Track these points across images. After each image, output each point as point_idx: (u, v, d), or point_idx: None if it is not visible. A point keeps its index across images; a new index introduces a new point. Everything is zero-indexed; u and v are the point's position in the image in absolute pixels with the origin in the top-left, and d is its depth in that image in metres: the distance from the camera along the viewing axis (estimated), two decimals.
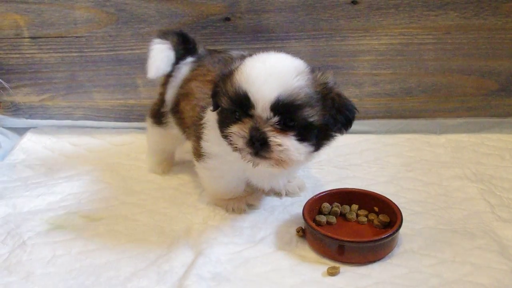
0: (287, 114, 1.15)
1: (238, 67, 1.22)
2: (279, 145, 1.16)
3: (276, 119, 1.15)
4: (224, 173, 1.40)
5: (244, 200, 1.46)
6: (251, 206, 1.46)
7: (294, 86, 1.15)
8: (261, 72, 1.16)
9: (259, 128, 1.16)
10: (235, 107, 1.19)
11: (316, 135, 1.21)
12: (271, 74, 1.15)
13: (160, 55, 1.48)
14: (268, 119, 1.16)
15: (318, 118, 1.18)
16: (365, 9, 1.75)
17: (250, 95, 1.16)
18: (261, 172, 1.33)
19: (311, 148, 1.22)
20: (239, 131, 1.19)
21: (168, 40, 1.51)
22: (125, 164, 1.75)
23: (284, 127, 1.17)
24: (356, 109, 1.25)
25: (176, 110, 1.50)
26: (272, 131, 1.16)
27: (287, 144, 1.17)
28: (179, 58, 1.53)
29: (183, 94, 1.47)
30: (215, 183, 1.44)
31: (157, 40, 1.50)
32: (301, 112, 1.16)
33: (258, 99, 1.15)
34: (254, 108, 1.16)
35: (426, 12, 1.75)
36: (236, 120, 1.20)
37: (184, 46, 1.54)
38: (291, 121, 1.16)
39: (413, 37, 1.78)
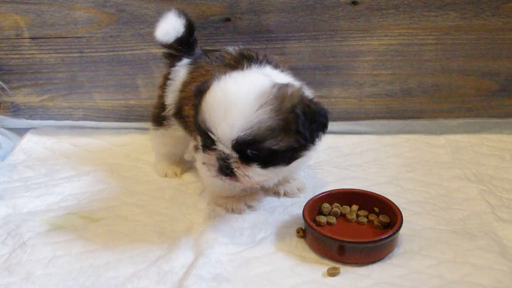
0: (249, 148, 1.18)
1: (209, 87, 1.23)
2: (244, 175, 1.21)
3: (237, 155, 1.19)
4: None
5: (243, 200, 1.46)
6: (250, 207, 1.46)
7: (255, 122, 1.15)
8: (221, 108, 1.16)
9: (225, 159, 1.20)
10: (204, 137, 1.23)
11: (284, 156, 1.22)
12: (231, 110, 1.15)
13: (172, 22, 1.48)
14: (230, 154, 1.19)
15: (283, 144, 1.19)
16: (365, 9, 1.75)
17: (211, 133, 1.18)
18: None
19: (282, 167, 1.25)
20: (209, 160, 1.23)
21: (185, 18, 1.51)
22: (125, 164, 1.75)
23: (246, 160, 1.20)
24: (327, 112, 1.25)
25: (181, 115, 1.49)
26: (236, 163, 1.20)
27: (250, 175, 1.21)
28: (179, 47, 1.53)
29: (186, 98, 1.46)
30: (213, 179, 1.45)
31: (175, 12, 1.50)
32: (263, 144, 1.17)
33: (219, 137, 1.18)
34: (216, 144, 1.19)
35: (426, 12, 1.75)
36: (207, 147, 1.23)
37: (190, 35, 1.54)
38: (253, 153, 1.19)
39: (413, 38, 1.78)
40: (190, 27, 1.54)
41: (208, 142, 1.22)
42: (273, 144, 1.18)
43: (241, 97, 1.16)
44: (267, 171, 1.22)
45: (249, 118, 1.14)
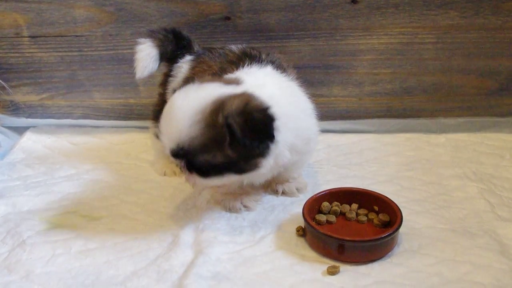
0: (186, 159, 1.23)
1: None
2: (188, 177, 1.28)
3: (180, 162, 1.26)
4: None
5: (239, 199, 1.46)
6: (245, 207, 1.45)
7: (188, 137, 1.19)
8: (167, 119, 1.23)
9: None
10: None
11: (228, 168, 1.23)
12: (171, 123, 1.21)
13: (142, 54, 1.51)
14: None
15: (219, 158, 1.21)
16: (365, 8, 1.75)
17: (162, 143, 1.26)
18: None
19: (233, 176, 1.25)
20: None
21: (152, 37, 1.53)
22: (125, 163, 1.75)
23: (189, 168, 1.25)
24: (269, 120, 1.20)
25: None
26: (183, 167, 1.27)
27: (194, 181, 1.27)
28: (172, 54, 1.53)
29: None
30: None
31: (141, 40, 1.52)
32: (197, 158, 1.21)
33: (165, 147, 1.25)
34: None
35: (426, 11, 1.75)
36: None
37: (177, 42, 1.55)
38: (190, 163, 1.24)
39: (413, 37, 1.78)
40: (173, 38, 1.56)
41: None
42: (207, 158, 1.21)
43: (181, 112, 1.20)
44: (209, 180, 1.26)
45: (183, 133, 1.19)
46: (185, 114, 1.19)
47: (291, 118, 1.29)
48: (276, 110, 1.22)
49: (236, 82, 1.29)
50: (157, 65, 1.53)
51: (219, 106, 1.19)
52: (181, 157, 1.23)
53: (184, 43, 1.56)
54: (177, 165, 1.63)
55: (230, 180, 1.28)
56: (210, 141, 1.19)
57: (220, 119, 1.18)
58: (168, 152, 1.24)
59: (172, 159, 1.27)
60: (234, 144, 1.19)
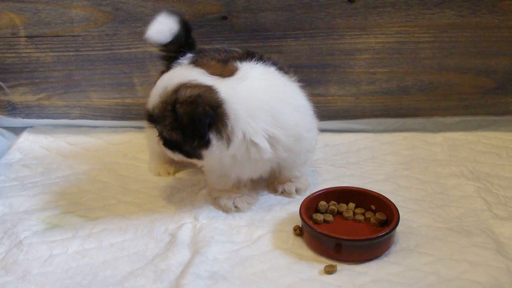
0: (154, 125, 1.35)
1: None
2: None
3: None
4: None
5: (232, 199, 1.46)
6: (236, 208, 1.45)
7: (153, 107, 1.31)
8: (154, 89, 1.34)
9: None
10: None
11: (181, 146, 1.33)
12: (151, 94, 1.34)
13: (165, 21, 1.50)
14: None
15: (166, 135, 1.32)
16: (361, 7, 1.75)
17: None
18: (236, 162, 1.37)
19: (183, 156, 1.36)
20: None
21: (177, 16, 1.52)
22: (122, 163, 1.75)
23: (159, 136, 1.37)
24: (203, 117, 1.25)
25: None
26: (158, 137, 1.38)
27: (165, 150, 1.38)
28: (178, 46, 1.52)
29: None
30: (210, 172, 1.47)
31: (166, 12, 1.51)
32: (157, 127, 1.34)
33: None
34: None
35: (423, 10, 1.75)
36: None
37: (186, 35, 1.54)
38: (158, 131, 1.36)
39: (410, 36, 1.78)
40: (185, 26, 1.54)
41: None
42: (159, 129, 1.34)
43: (157, 86, 1.33)
44: (165, 150, 1.37)
45: (152, 102, 1.32)
46: (157, 88, 1.32)
47: (273, 113, 1.31)
48: (252, 103, 1.29)
49: (229, 73, 1.32)
50: (169, 40, 1.51)
51: (177, 89, 1.28)
52: (153, 122, 1.34)
53: (190, 40, 1.56)
54: (168, 168, 1.68)
55: (180, 158, 1.38)
56: (160, 117, 1.30)
57: (171, 101, 1.27)
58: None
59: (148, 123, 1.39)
60: (176, 128, 1.29)
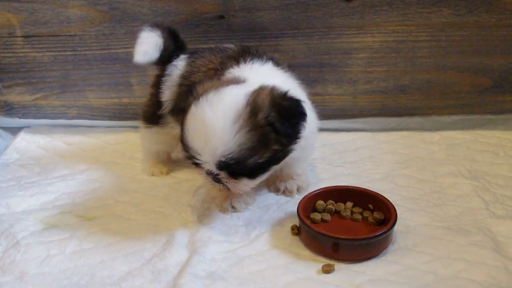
0: (234, 168, 1.22)
1: (189, 107, 1.24)
2: (235, 187, 1.28)
3: (224, 174, 1.24)
4: None
5: (229, 199, 1.45)
6: (233, 208, 1.45)
7: (235, 146, 1.18)
8: (201, 135, 1.20)
9: (215, 175, 1.25)
10: (191, 159, 1.26)
11: (272, 162, 1.26)
12: (210, 137, 1.18)
13: (148, 40, 1.48)
14: (219, 173, 1.24)
15: (268, 155, 1.23)
16: (359, 6, 1.75)
17: (197, 158, 1.23)
18: None
19: (273, 168, 1.29)
20: (199, 172, 1.29)
21: (159, 29, 1.51)
22: (119, 163, 1.75)
23: (235, 175, 1.25)
24: (300, 101, 1.25)
25: (183, 107, 1.48)
26: (225, 178, 1.26)
27: (241, 187, 1.28)
28: (170, 54, 1.52)
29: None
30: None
31: (147, 28, 1.50)
32: (247, 163, 1.21)
33: (204, 162, 1.22)
34: (204, 165, 1.24)
35: (420, 9, 1.75)
36: (196, 165, 1.26)
37: (174, 41, 1.54)
38: (239, 170, 1.23)
39: (407, 35, 1.78)
40: (172, 36, 1.54)
41: (196, 163, 1.25)
42: (257, 159, 1.21)
43: (218, 123, 1.18)
44: (257, 180, 1.29)
45: (228, 144, 1.18)
46: (225, 125, 1.18)
47: None
48: None
49: (242, 80, 1.30)
50: (157, 56, 1.49)
51: (253, 108, 1.19)
52: (225, 169, 1.22)
53: (179, 44, 1.56)
54: (161, 168, 1.66)
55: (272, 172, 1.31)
56: (258, 143, 1.19)
57: (261, 119, 1.19)
58: (212, 167, 1.22)
59: (207, 176, 1.27)
60: (279, 138, 1.22)
